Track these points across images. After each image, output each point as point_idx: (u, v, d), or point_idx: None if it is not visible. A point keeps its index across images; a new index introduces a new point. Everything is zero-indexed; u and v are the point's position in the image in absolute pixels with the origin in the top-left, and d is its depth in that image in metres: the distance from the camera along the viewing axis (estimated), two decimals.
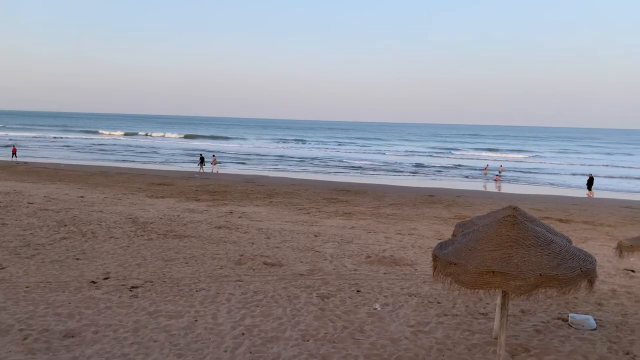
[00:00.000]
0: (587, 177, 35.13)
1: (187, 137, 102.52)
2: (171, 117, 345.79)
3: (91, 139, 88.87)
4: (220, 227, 16.62)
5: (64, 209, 18.81)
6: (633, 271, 12.62)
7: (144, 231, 15.53)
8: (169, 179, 31.79)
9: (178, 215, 18.64)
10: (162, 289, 10.18)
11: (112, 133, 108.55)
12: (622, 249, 8.15)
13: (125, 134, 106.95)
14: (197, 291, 10.09)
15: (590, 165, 58.98)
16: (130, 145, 73.21)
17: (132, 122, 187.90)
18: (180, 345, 7.62)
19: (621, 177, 46.20)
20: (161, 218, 17.92)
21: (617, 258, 8.46)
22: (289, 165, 50.41)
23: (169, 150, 65.98)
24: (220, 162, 44.62)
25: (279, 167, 48.05)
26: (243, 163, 51.23)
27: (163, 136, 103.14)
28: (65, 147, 65.59)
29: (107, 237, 14.55)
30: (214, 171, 39.86)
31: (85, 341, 7.64)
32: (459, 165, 55.57)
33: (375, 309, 9.44)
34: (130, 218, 17.60)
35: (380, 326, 8.62)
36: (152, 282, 10.59)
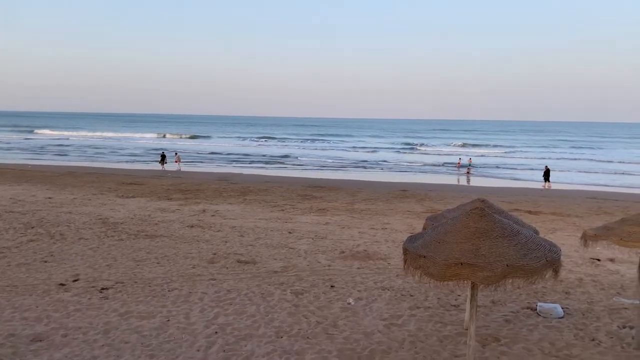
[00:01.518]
0: (544, 169, 35.82)
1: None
2: (134, 115, 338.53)
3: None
4: (192, 226, 16.46)
5: (31, 211, 18.36)
6: (599, 260, 12.98)
7: (114, 232, 15.28)
8: (140, 178, 31.31)
9: (149, 215, 18.38)
10: (133, 289, 10.04)
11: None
12: (586, 238, 8.33)
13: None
14: (169, 291, 9.98)
15: (559, 158, 60.30)
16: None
17: (96, 121, 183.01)
18: (152, 345, 7.53)
19: (590, 172, 47.37)
20: (132, 218, 17.65)
21: (583, 248, 8.67)
22: (245, 165, 49.80)
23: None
24: (184, 161, 44.05)
25: (247, 166, 47.65)
26: (211, 161, 50.63)
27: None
28: None
29: (76, 238, 14.26)
30: (178, 169, 39.38)
31: (54, 345, 7.48)
32: (423, 161, 55.97)
33: (349, 303, 9.49)
34: (100, 219, 17.28)
35: (353, 320, 8.67)
36: (123, 283, 10.43)
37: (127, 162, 48.24)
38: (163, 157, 40.70)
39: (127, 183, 28.71)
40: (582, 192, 29.85)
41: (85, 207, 19.87)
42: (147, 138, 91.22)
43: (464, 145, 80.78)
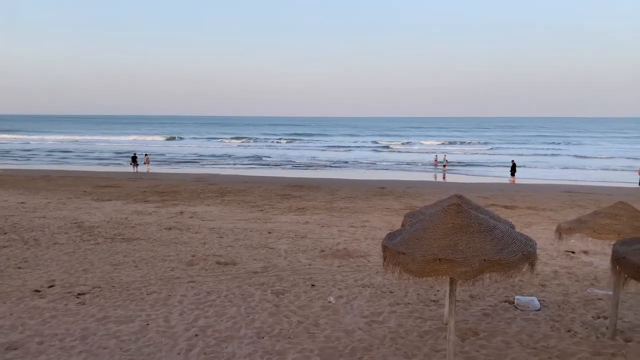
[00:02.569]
0: (510, 164, 36.45)
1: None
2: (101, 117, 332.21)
3: None
4: (170, 228, 16.28)
5: (3, 216, 17.93)
6: (573, 252, 13.26)
7: (90, 235, 15.03)
8: (116, 181, 30.84)
9: (126, 218, 18.12)
10: (110, 294, 9.89)
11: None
12: (561, 231, 8.52)
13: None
14: (147, 294, 9.86)
15: (533, 154, 61.36)
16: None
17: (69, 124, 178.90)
18: (131, 350, 7.43)
19: (566, 167, 48.31)
20: (108, 221, 17.38)
21: (557, 240, 8.85)
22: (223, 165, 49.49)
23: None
24: (153, 162, 43.59)
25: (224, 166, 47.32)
26: (192, 162, 50.24)
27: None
28: None
29: (50, 243, 13.98)
30: (147, 170, 39.03)
31: (30, 353, 7.33)
32: (400, 159, 56.37)
33: (329, 302, 9.51)
34: (76, 223, 16.97)
35: (334, 319, 8.69)
36: (100, 287, 10.26)
37: (97, 165, 47.44)
38: (134, 158, 40.34)
39: (103, 186, 28.26)
40: (556, 186, 30.44)
41: (59, 211, 19.50)
42: (113, 141, 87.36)
43: (442, 144, 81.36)
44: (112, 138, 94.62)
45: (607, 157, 54.79)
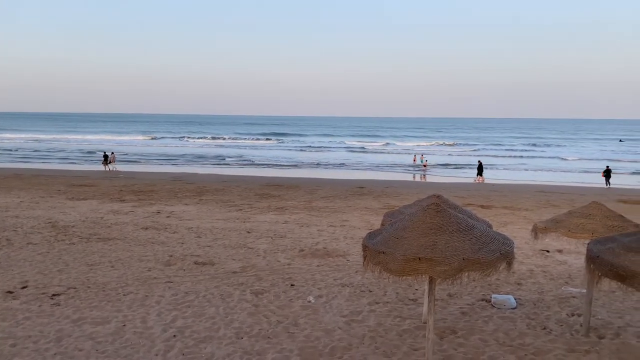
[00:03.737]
0: (477, 164, 37.06)
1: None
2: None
3: None
4: (147, 228, 16.07)
5: None
6: (548, 251, 13.50)
7: (65, 235, 14.74)
8: (91, 180, 30.33)
9: (102, 217, 17.83)
10: (86, 295, 9.72)
11: None
12: (537, 231, 8.67)
13: None
14: (124, 295, 9.71)
15: (509, 156, 62.32)
16: None
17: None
18: (107, 352, 7.32)
19: (541, 169, 49.17)
20: (83, 221, 17.07)
21: (533, 240, 9.00)
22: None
23: None
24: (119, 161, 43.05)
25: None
26: (169, 161, 49.62)
27: None
28: None
29: (24, 243, 13.67)
30: (112, 169, 38.82)
31: (3, 355, 7.15)
32: (378, 159, 56.68)
33: (309, 301, 9.50)
34: (50, 222, 16.63)
35: (314, 318, 8.69)
36: (75, 288, 10.08)
37: (70, 163, 46.59)
38: (106, 157, 40.07)
39: (78, 185, 27.75)
40: (531, 186, 30.97)
41: (33, 210, 19.08)
42: (80, 140, 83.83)
43: (418, 145, 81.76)
44: (78, 137, 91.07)
45: (578, 159, 55.92)
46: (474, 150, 68.92)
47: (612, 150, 68.89)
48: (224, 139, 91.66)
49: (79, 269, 11.39)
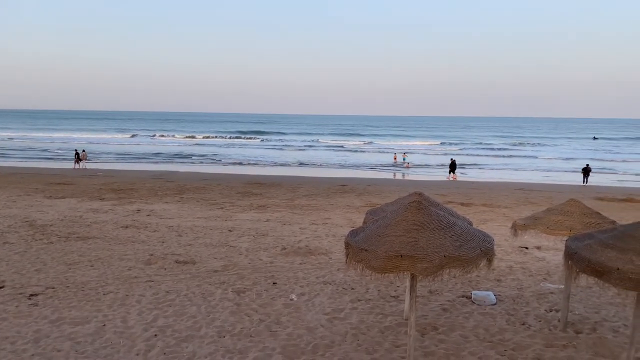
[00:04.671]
0: (450, 162, 37.55)
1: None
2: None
3: None
4: (127, 227, 15.89)
5: None
6: (527, 248, 13.71)
7: (43, 234, 14.49)
8: (69, 178, 29.86)
9: (81, 216, 17.57)
10: (65, 294, 9.57)
11: None
12: (516, 228, 8.80)
13: None
14: (104, 294, 9.59)
15: (487, 155, 63.05)
16: None
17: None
18: (87, 352, 7.22)
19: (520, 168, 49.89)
20: (62, 220, 16.80)
21: (512, 237, 9.13)
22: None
23: None
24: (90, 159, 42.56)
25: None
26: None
27: None
28: None
29: (0, 242, 13.40)
30: (82, 167, 38.56)
31: None
32: (360, 158, 56.83)
33: (291, 299, 9.50)
34: (27, 221, 16.33)
35: (296, 316, 8.69)
36: (53, 288, 9.92)
37: (47, 161, 45.79)
38: (77, 155, 39.79)
39: (56, 183, 27.29)
40: (510, 184, 31.40)
41: (9, 209, 18.70)
42: (55, 138, 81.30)
43: (400, 144, 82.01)
44: (53, 135, 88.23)
45: (555, 158, 56.84)
46: (461, 149, 69.06)
47: (590, 149, 70.17)
48: (201, 137, 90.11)
49: (57, 269, 11.21)
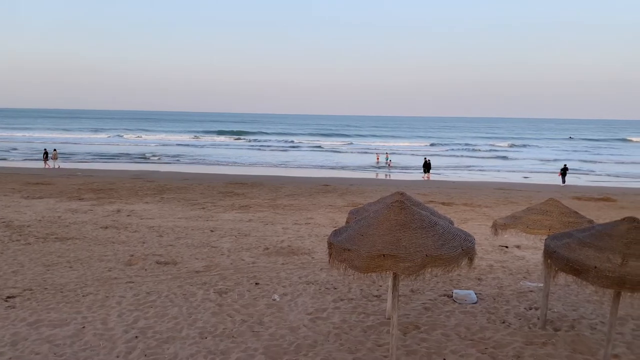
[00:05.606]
0: (424, 162, 37.99)
1: None
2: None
3: None
4: (107, 227, 15.68)
5: None
6: (507, 247, 13.89)
7: (20, 235, 14.22)
8: (47, 178, 29.35)
9: (59, 217, 17.29)
10: (43, 296, 9.41)
11: None
12: (496, 227, 8.90)
13: None
14: (83, 296, 9.46)
15: (464, 156, 63.66)
16: None
17: None
18: (66, 355, 7.11)
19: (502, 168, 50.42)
20: (40, 220, 16.52)
21: (493, 236, 9.24)
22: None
23: None
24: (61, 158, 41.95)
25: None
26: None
27: None
28: None
29: None
30: (55, 166, 37.89)
31: None
32: (344, 159, 56.93)
33: (274, 299, 9.48)
34: (4, 222, 16.01)
35: (279, 316, 8.68)
36: (31, 290, 9.74)
37: (25, 160, 44.95)
38: (46, 154, 39.02)
39: (33, 183, 26.80)
40: (490, 184, 31.78)
41: None
42: (28, 137, 78.82)
43: (386, 144, 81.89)
44: (26, 134, 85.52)
45: (533, 158, 57.64)
46: (447, 150, 69.10)
47: (566, 150, 71.29)
48: (182, 137, 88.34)
49: (35, 270, 11.02)
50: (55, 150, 40.70)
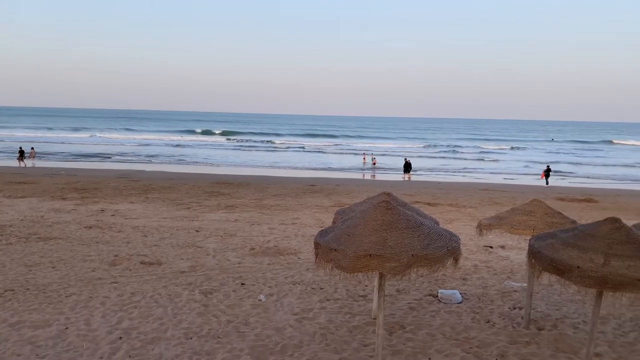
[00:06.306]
0: (404, 162, 38.32)
1: None
2: None
3: None
4: (91, 227, 15.50)
5: None
6: (491, 247, 14.00)
7: (1, 235, 14.00)
8: (30, 177, 28.93)
9: (42, 216, 17.05)
10: (25, 297, 9.27)
11: None
12: (481, 227, 8.97)
13: None
14: (66, 297, 9.34)
15: (442, 156, 64.09)
16: None
17: None
18: (48, 356, 7.01)
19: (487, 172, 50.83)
20: (22, 220, 16.28)
21: (477, 236, 9.31)
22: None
23: None
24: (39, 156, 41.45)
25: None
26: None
27: None
28: None
29: None
30: (31, 165, 37.46)
31: None
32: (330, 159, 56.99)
33: (260, 300, 9.45)
34: None
35: (265, 317, 8.65)
36: (13, 290, 9.59)
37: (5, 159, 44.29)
38: (21, 152, 38.44)
39: (16, 182, 26.39)
40: (475, 184, 32.03)
41: None
42: (7, 137, 76.07)
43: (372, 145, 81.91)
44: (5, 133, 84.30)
45: (516, 160, 58.25)
46: (438, 152, 69.14)
47: (550, 152, 72.10)
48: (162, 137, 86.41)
49: (17, 270, 10.85)
50: (32, 149, 40.06)
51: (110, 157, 48.39)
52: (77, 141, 70.80)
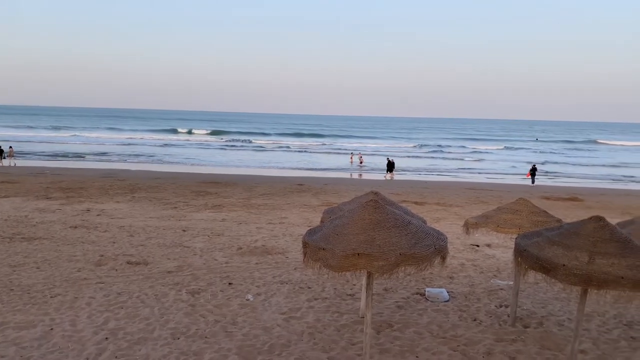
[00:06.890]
0: (387, 162, 38.62)
1: None
2: None
3: None
4: (76, 227, 15.34)
5: None
6: (478, 246, 14.11)
7: None
8: (14, 176, 28.54)
9: (26, 216, 16.83)
10: (9, 298, 9.15)
11: None
12: (468, 226, 9.03)
13: None
14: (51, 297, 9.23)
15: (433, 156, 64.46)
16: None
17: None
18: (33, 357, 6.92)
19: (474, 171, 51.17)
20: (6, 220, 16.05)
21: (464, 235, 9.37)
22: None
23: None
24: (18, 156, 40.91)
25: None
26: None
27: None
28: None
29: None
30: (11, 164, 36.94)
31: None
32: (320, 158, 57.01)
33: (247, 299, 9.42)
34: None
35: (253, 316, 8.63)
36: None
37: None
38: (1, 151, 37.94)
39: None
40: (462, 184, 32.24)
41: None
42: None
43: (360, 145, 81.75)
44: None
45: (502, 160, 58.76)
46: (425, 152, 69.17)
47: (535, 151, 72.82)
48: (141, 137, 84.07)
49: (0, 271, 10.70)
50: (10, 147, 39.38)
51: (94, 156, 47.89)
52: (58, 140, 69.74)
